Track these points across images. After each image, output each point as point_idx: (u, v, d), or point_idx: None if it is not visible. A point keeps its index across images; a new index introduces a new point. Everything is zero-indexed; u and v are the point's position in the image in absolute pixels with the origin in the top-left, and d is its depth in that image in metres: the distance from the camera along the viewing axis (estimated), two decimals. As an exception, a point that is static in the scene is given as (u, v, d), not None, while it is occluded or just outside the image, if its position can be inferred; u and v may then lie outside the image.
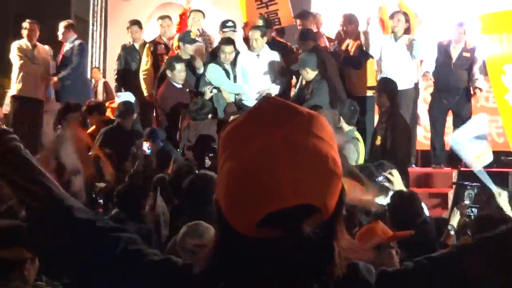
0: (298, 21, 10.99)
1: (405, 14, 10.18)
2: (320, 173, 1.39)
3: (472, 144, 6.97)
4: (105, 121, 10.09)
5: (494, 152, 7.37)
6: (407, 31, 10.06)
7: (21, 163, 1.72)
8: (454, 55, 10.19)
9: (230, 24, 10.69)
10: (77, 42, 11.69)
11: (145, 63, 11.19)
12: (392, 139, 8.53)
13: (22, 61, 11.41)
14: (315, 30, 10.90)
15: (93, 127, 9.97)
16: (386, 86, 9.03)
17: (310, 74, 9.58)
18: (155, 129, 9.15)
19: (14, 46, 11.56)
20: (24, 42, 11.55)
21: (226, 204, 1.41)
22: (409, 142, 9.25)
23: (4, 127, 1.71)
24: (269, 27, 10.87)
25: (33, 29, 11.52)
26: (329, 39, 11.25)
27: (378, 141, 8.64)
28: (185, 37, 10.49)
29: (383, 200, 6.31)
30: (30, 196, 1.67)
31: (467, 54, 10.14)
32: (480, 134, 7.09)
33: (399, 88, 9.20)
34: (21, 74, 11.40)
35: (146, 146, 8.18)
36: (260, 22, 10.78)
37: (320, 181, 1.39)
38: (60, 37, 11.73)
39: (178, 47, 10.51)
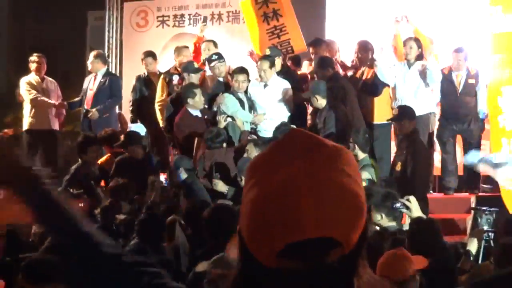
0: (311, 49, 10.99)
1: (417, 40, 10.17)
2: (343, 207, 1.38)
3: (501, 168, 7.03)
4: (116, 152, 10.17)
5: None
6: (419, 57, 10.06)
7: (51, 203, 1.78)
8: (459, 83, 10.14)
9: (214, 57, 10.62)
10: (113, 76, 11.95)
11: (161, 94, 11.23)
12: (413, 165, 8.53)
13: (32, 95, 11.54)
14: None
15: (106, 156, 10.03)
16: (407, 112, 9.05)
17: (320, 101, 9.59)
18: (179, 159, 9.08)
19: (23, 81, 11.68)
20: (32, 77, 11.69)
21: (248, 233, 1.42)
22: (429, 168, 9.25)
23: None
24: (279, 55, 10.87)
25: (41, 63, 11.65)
26: (345, 67, 11.24)
27: (398, 167, 8.62)
28: (189, 67, 10.55)
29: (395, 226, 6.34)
30: (62, 234, 1.76)
31: (472, 81, 10.08)
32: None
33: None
34: (33, 108, 11.53)
35: (163, 178, 8.20)
36: (267, 51, 10.80)
37: (342, 215, 1.38)
38: (89, 67, 11.75)
39: (164, 80, 10.61)
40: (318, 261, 1.38)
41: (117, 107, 13.80)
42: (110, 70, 15.02)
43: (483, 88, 9.84)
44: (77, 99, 11.85)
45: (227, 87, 10.37)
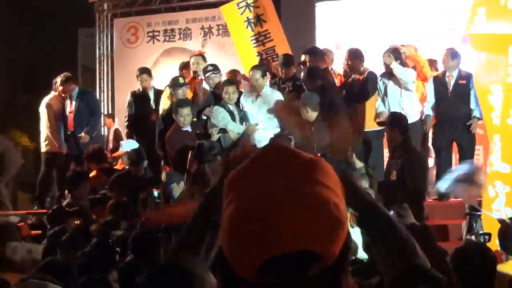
0: (307, 57, 10.89)
1: (394, 52, 10.18)
2: (321, 219, 1.38)
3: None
4: (103, 168, 10.12)
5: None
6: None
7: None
8: (450, 84, 10.12)
9: (209, 68, 10.58)
10: (87, 93, 11.81)
11: (166, 105, 11.24)
12: (411, 175, 8.50)
13: (51, 117, 11.61)
14: (323, 66, 10.85)
15: (93, 173, 10.00)
16: (398, 120, 9.04)
17: (310, 114, 9.46)
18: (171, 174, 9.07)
19: (42, 102, 11.72)
20: (53, 97, 11.72)
21: (227, 248, 1.41)
22: (425, 176, 9.25)
23: None
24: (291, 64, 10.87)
25: (62, 83, 11.56)
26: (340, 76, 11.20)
27: (393, 176, 8.59)
28: (175, 83, 10.54)
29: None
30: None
31: (463, 81, 10.00)
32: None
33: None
34: (50, 130, 11.58)
35: (156, 193, 8.17)
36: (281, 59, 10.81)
37: (321, 227, 1.37)
38: (61, 92, 11.59)
39: (171, 93, 10.60)
40: (297, 274, 1.37)
41: (116, 123, 13.85)
42: (102, 86, 15.09)
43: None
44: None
45: (218, 100, 10.35)
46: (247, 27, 11.54)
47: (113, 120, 14.32)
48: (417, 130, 9.92)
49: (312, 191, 1.40)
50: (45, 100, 11.83)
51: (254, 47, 11.49)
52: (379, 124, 9.66)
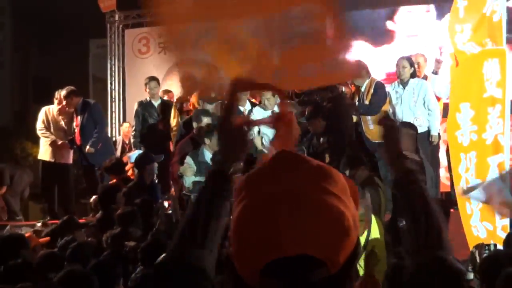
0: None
1: (409, 59, 10.19)
2: (323, 225, 1.38)
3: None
4: (124, 179, 10.13)
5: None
6: (413, 76, 10.08)
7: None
8: None
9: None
10: (91, 104, 11.57)
11: (175, 122, 11.25)
12: None
13: (39, 132, 11.55)
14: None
15: (113, 180, 10.01)
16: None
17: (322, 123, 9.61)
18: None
19: (41, 112, 11.67)
20: (51, 109, 11.64)
21: (234, 251, 1.42)
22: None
23: None
24: None
25: (63, 98, 11.43)
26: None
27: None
28: (198, 115, 10.49)
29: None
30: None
31: None
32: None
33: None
34: (43, 141, 11.53)
35: (167, 204, 8.17)
36: None
37: (322, 233, 1.37)
38: (66, 106, 11.44)
39: (198, 103, 10.57)
40: (299, 280, 1.36)
41: (121, 134, 13.82)
42: (113, 97, 15.11)
43: None
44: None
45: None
46: None
47: (122, 131, 14.33)
48: (425, 140, 9.94)
49: (316, 198, 1.40)
50: (42, 111, 11.68)
51: None
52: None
